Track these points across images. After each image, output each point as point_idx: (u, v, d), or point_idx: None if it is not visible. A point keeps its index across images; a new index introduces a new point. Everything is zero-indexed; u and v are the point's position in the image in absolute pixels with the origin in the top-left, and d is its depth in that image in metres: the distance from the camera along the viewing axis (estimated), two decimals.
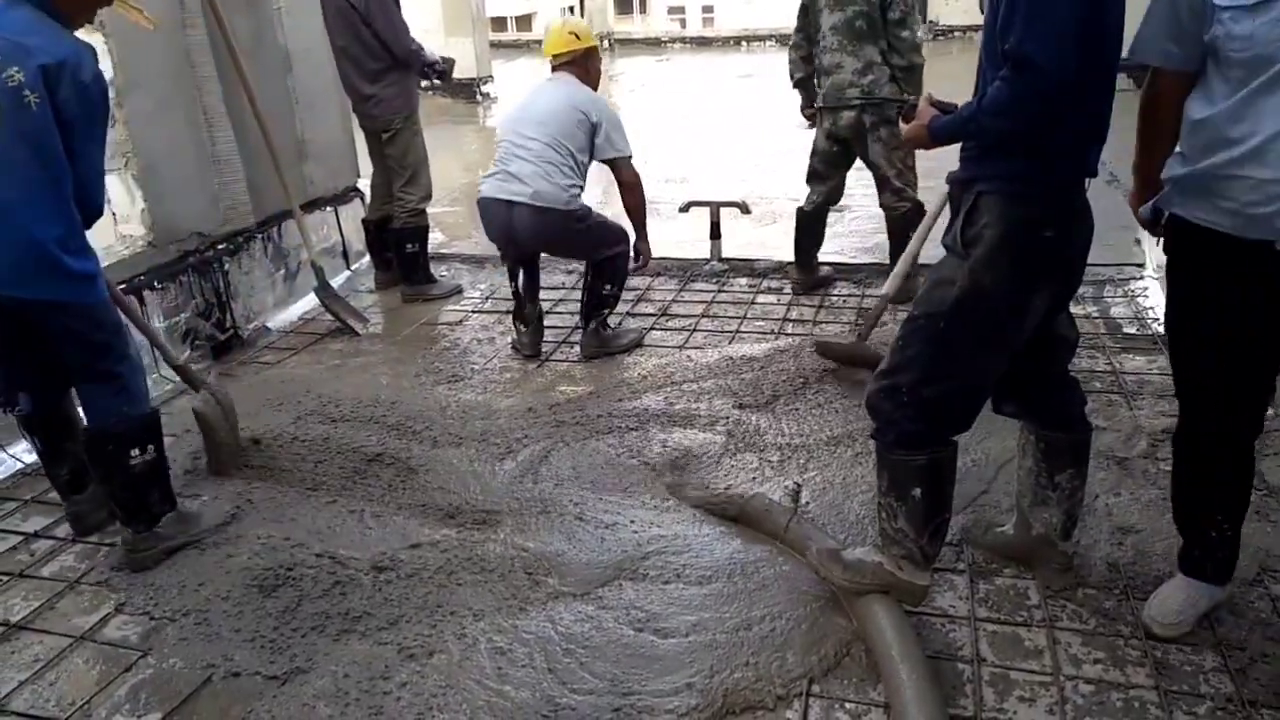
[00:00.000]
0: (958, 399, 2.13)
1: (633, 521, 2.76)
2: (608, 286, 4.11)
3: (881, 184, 4.47)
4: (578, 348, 4.21)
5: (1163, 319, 2.26)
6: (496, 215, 3.98)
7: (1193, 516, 2.26)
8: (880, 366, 2.20)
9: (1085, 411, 2.37)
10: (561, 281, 5.13)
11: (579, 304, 4.22)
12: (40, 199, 2.39)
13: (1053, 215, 1.99)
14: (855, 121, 4.35)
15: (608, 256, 4.04)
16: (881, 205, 4.54)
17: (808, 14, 4.47)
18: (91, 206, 2.53)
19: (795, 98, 4.79)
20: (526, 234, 3.95)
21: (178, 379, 4.06)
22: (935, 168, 2.99)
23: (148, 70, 4.01)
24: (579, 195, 3.93)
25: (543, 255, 4.42)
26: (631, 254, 4.13)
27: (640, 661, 2.22)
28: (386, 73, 4.76)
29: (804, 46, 4.53)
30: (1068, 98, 1.88)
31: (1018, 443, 2.48)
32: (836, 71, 4.32)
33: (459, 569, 2.61)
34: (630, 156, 3.98)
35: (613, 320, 4.29)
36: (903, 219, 4.43)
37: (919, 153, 3.92)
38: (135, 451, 2.66)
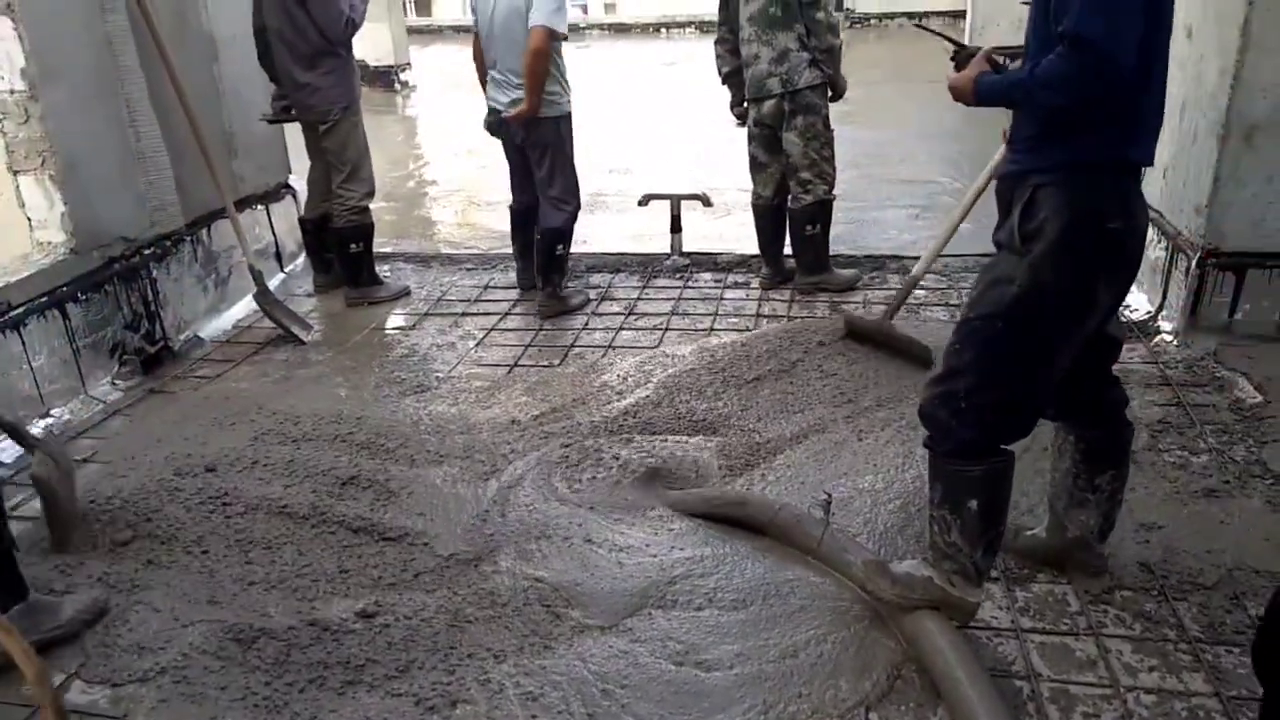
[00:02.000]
0: (1018, 404, 2.02)
1: (649, 544, 2.58)
2: (559, 248, 4.41)
3: (790, 173, 4.41)
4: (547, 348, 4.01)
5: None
6: (499, 120, 4.32)
7: None
8: (933, 373, 2.08)
9: (1126, 411, 2.29)
10: (510, 280, 4.90)
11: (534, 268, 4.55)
12: None
13: (1116, 205, 1.90)
14: (776, 110, 4.31)
15: (559, 225, 4.38)
16: (790, 195, 4.48)
17: (728, 6, 4.37)
18: None
19: (726, 88, 4.61)
20: (519, 135, 4.30)
21: (105, 400, 3.75)
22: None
23: (65, 60, 3.62)
24: (558, 94, 4.18)
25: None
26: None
27: (687, 699, 2.05)
28: (323, 58, 4.42)
29: (729, 40, 4.43)
30: (1127, 81, 1.79)
31: (1052, 444, 2.39)
32: (755, 63, 4.27)
33: (465, 605, 2.39)
34: (548, 29, 3.96)
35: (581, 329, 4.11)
36: (803, 213, 4.42)
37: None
38: None
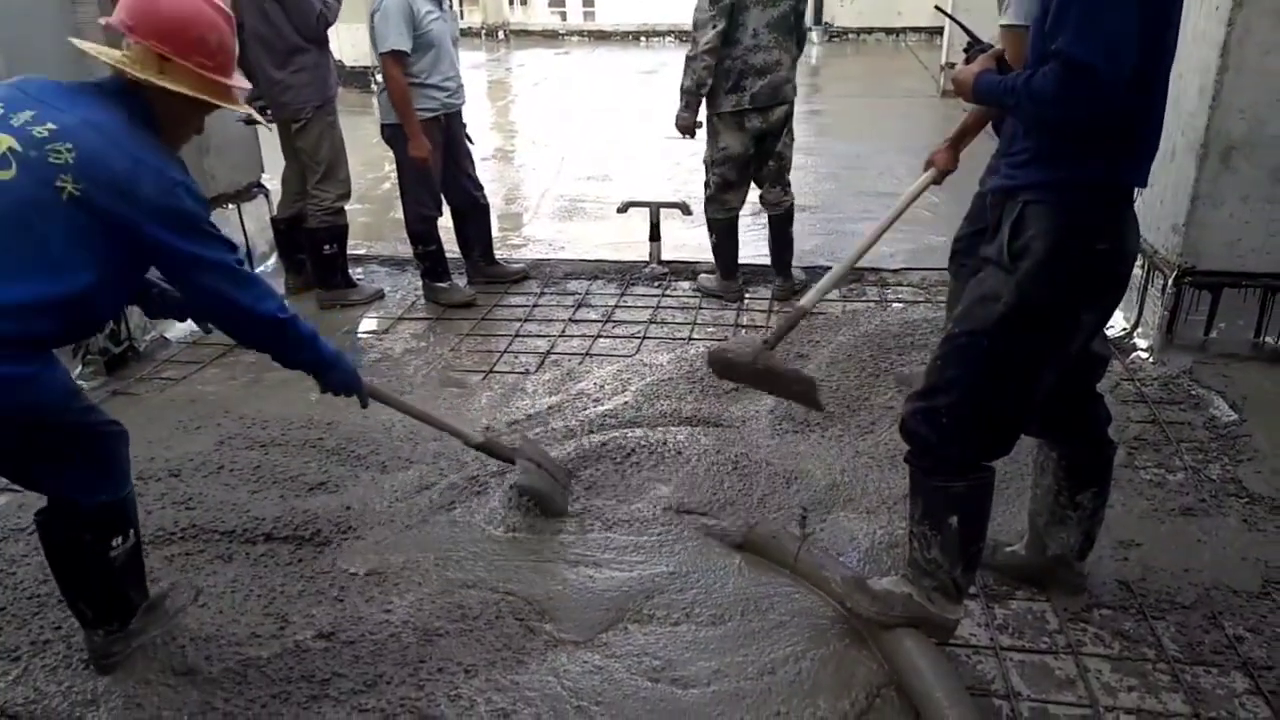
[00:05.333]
0: (1001, 421, 2.00)
1: (625, 558, 2.53)
2: (418, 247, 4.63)
3: (776, 178, 4.45)
4: (520, 368, 3.95)
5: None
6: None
7: None
8: (917, 388, 2.05)
9: (1109, 429, 2.28)
10: (484, 285, 4.84)
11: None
12: None
13: (1106, 226, 1.88)
14: (784, 116, 4.31)
15: (409, 227, 4.61)
16: (768, 202, 4.52)
17: (733, 13, 4.08)
18: None
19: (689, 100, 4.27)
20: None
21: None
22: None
23: (32, 54, 3.51)
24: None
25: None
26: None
27: (663, 717, 2.00)
28: (297, 56, 4.34)
29: (719, 50, 4.12)
30: (1117, 108, 1.76)
31: (1034, 461, 2.38)
32: (775, 69, 4.20)
33: (435, 618, 2.32)
34: (386, 52, 4.15)
35: (541, 325, 4.06)
36: (788, 215, 4.53)
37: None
38: (118, 540, 2.08)
